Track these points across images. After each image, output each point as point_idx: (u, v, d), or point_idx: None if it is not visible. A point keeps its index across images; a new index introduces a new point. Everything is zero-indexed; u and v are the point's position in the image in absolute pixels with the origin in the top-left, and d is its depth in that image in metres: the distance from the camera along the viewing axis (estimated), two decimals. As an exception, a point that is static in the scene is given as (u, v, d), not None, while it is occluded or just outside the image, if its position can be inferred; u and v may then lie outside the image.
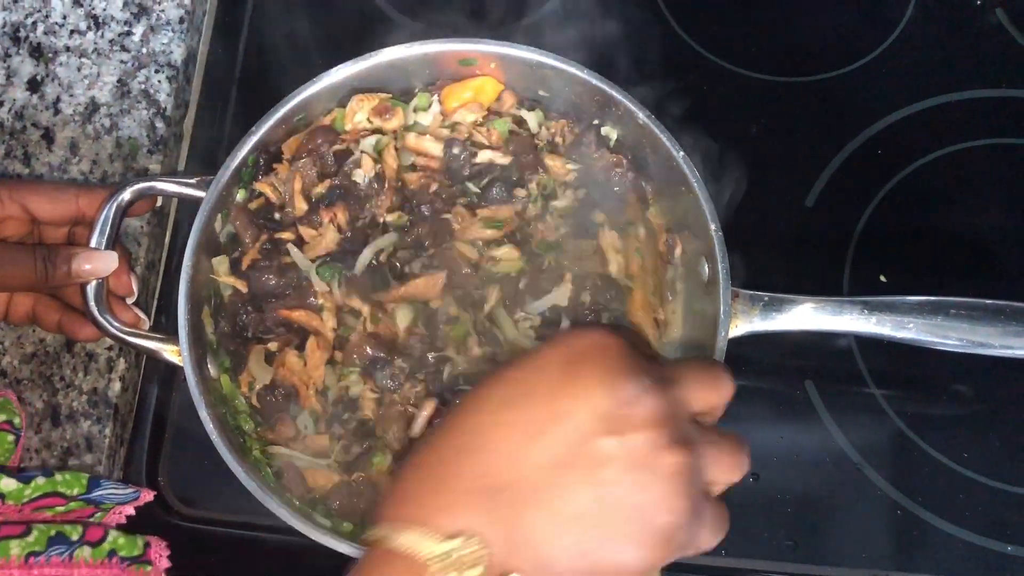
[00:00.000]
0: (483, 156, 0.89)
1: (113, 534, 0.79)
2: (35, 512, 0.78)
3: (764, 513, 0.89)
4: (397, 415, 0.82)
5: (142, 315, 0.86)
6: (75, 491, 0.80)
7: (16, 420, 0.84)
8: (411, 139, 0.89)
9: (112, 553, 0.77)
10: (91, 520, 0.81)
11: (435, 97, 0.91)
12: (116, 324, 0.82)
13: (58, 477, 0.79)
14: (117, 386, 0.90)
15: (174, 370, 0.81)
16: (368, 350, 0.84)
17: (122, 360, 0.90)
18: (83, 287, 0.81)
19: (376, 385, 0.83)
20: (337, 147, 0.89)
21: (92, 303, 0.81)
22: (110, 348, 0.90)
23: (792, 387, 0.93)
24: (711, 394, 0.60)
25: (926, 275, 0.95)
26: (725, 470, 0.58)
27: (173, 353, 0.81)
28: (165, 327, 0.89)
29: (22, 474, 0.77)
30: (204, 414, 0.78)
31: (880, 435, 0.91)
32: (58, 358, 0.90)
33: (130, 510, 0.84)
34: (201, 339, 0.83)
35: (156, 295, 0.97)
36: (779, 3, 1.07)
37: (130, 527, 0.83)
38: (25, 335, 0.90)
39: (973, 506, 0.89)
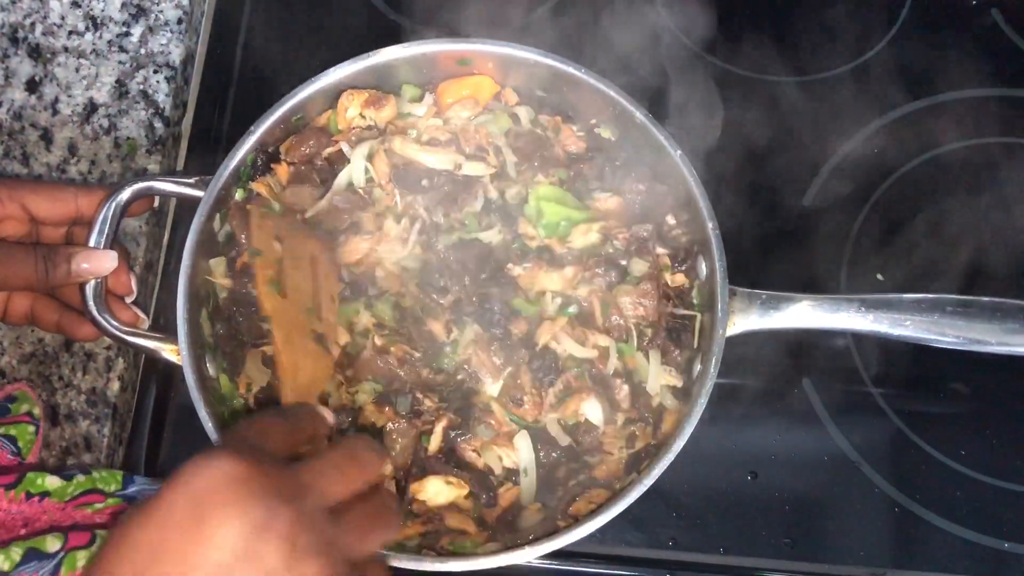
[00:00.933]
0: (467, 168, 0.89)
1: None
2: (76, 509, 0.78)
3: (761, 511, 0.89)
4: (408, 432, 0.83)
5: (141, 314, 0.86)
6: (112, 488, 0.80)
7: (36, 411, 0.85)
8: (397, 144, 0.88)
9: None
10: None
11: (430, 95, 0.91)
12: (115, 323, 0.82)
13: (95, 474, 0.80)
14: (116, 386, 0.90)
15: (173, 370, 0.82)
16: (380, 364, 0.84)
17: (121, 360, 0.91)
18: (82, 286, 0.81)
19: (396, 413, 0.83)
20: (329, 150, 0.89)
21: (91, 302, 0.81)
22: (109, 348, 0.91)
23: (790, 385, 0.93)
24: (355, 478, 0.63)
25: (923, 273, 0.95)
26: (373, 542, 0.63)
27: (172, 352, 0.82)
28: (164, 327, 0.89)
29: (63, 472, 0.78)
30: (203, 413, 0.78)
31: (877, 433, 0.92)
32: (57, 358, 0.90)
33: None
34: (200, 338, 0.83)
35: (155, 294, 0.97)
36: (776, 3, 1.07)
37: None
38: (24, 335, 0.90)
39: (970, 503, 0.89)
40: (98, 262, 0.81)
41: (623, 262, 0.86)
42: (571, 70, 0.87)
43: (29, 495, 0.74)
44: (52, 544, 0.69)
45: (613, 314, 0.85)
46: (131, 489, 0.81)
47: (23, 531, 0.72)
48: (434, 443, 0.82)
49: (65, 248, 0.80)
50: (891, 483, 0.90)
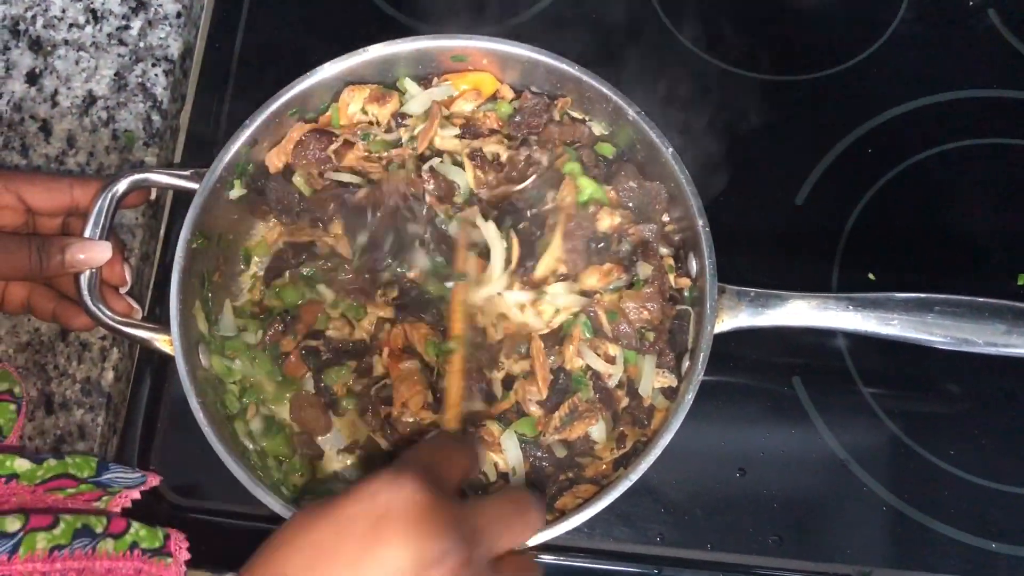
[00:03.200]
0: (525, 153, 0.89)
1: (135, 526, 0.79)
2: (47, 493, 0.78)
3: (750, 508, 0.89)
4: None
5: (135, 305, 0.87)
6: (85, 473, 0.80)
7: (16, 389, 0.85)
8: (438, 141, 0.89)
9: (134, 545, 0.78)
10: (98, 503, 0.82)
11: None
12: (109, 313, 0.83)
13: (68, 459, 0.80)
14: (110, 375, 0.91)
15: (167, 360, 0.82)
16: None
17: (115, 350, 0.91)
18: (77, 276, 0.82)
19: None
20: (335, 146, 0.90)
21: (85, 292, 0.82)
22: (104, 338, 0.91)
23: (780, 383, 0.93)
24: (520, 534, 0.66)
25: (915, 273, 0.95)
26: None
27: (165, 343, 0.82)
28: (160, 318, 0.90)
29: (34, 455, 0.78)
30: (194, 404, 0.79)
31: (866, 432, 0.91)
32: (52, 347, 0.91)
33: (136, 494, 0.84)
34: (193, 329, 0.84)
35: (151, 286, 0.98)
36: (771, 2, 1.07)
37: (126, 514, 0.84)
38: (20, 324, 0.91)
39: (959, 503, 0.89)
40: (92, 252, 0.81)
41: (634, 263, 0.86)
42: (564, 66, 0.87)
43: None
44: (12, 524, 0.70)
45: (621, 322, 0.84)
46: (105, 476, 0.82)
47: None
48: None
49: (60, 239, 0.81)
50: (879, 482, 0.90)
